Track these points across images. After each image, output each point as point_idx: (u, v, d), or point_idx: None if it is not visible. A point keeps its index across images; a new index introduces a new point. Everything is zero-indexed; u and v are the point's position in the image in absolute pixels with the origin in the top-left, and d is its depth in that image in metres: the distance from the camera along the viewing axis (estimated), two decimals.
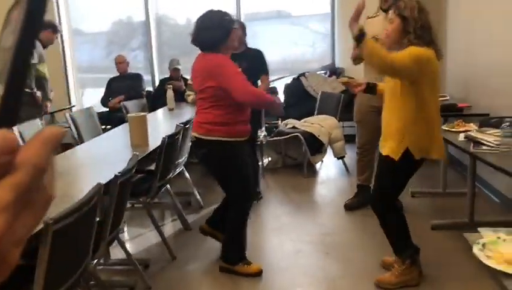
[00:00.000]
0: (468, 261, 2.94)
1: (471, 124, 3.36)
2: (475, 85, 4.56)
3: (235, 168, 3.00)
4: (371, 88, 2.94)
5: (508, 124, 2.64)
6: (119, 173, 2.38)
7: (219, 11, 2.89)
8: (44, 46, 4.99)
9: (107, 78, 6.34)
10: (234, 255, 3.07)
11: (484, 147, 2.79)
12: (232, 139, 2.92)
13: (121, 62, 6.27)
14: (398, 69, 2.45)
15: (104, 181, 2.37)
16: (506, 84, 3.80)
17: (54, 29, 5.23)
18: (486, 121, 3.24)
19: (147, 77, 6.66)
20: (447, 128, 3.40)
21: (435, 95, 2.63)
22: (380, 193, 2.81)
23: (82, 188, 2.42)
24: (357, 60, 4.00)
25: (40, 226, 1.70)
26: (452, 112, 4.11)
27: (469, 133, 3.06)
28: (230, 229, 3.10)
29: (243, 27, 4.15)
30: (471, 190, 3.52)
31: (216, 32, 2.78)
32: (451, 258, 3.05)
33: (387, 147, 2.66)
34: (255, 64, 3.77)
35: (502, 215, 3.68)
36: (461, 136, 3.13)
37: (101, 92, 6.29)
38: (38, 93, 4.77)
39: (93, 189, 2.03)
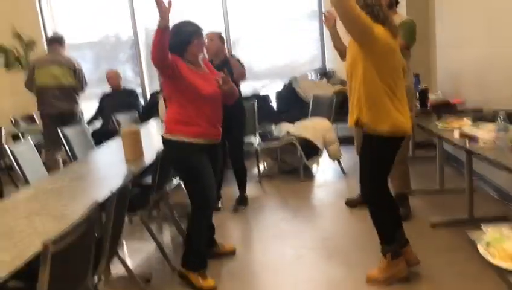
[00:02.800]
0: (471, 258, 2.93)
1: (465, 120, 3.36)
2: (466, 80, 4.56)
3: (190, 173, 2.96)
4: None
5: (502, 117, 2.63)
6: (115, 190, 2.35)
7: (184, 22, 2.98)
8: None
9: (97, 92, 6.26)
10: (191, 261, 3.04)
11: (480, 143, 2.78)
12: (189, 140, 2.88)
13: (111, 77, 6.17)
14: (354, 15, 2.51)
15: (100, 198, 2.35)
16: (498, 78, 3.81)
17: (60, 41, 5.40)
18: (479, 115, 3.23)
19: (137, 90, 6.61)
20: (440, 126, 3.40)
21: (390, 68, 2.64)
22: (364, 175, 2.79)
23: (79, 207, 2.39)
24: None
25: (39, 248, 1.67)
26: (446, 108, 4.11)
27: (463, 129, 3.05)
28: (188, 234, 3.07)
29: (221, 38, 4.17)
30: (469, 186, 3.51)
31: (173, 40, 2.82)
32: (454, 256, 3.03)
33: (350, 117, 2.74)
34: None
35: (501, 210, 3.68)
36: (456, 133, 3.12)
37: (91, 105, 6.21)
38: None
39: (89, 208, 2.00)
